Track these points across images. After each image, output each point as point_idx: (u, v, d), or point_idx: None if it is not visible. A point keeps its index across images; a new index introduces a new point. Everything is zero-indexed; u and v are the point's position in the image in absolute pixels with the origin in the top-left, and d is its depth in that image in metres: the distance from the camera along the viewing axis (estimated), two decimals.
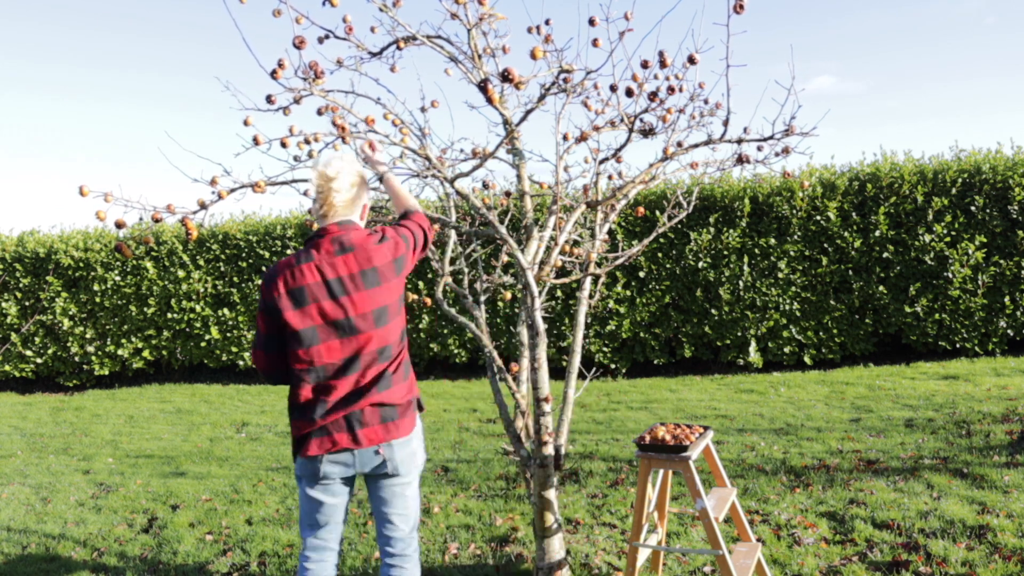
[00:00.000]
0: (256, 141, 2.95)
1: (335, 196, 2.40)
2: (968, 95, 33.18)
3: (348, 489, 2.57)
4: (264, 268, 10.38)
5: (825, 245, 8.63)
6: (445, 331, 9.76)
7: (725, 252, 8.80)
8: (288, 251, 10.25)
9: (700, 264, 8.81)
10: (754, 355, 8.75)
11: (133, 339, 10.78)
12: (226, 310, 10.50)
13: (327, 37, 3.03)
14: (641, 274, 9.03)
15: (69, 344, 10.88)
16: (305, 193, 3.68)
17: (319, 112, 3.17)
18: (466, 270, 4.18)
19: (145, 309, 10.64)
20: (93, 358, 10.87)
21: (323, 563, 2.59)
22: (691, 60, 2.93)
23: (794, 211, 8.64)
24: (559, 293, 9.31)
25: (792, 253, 8.64)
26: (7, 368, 11.15)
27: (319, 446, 2.42)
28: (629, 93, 3.08)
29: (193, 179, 2.85)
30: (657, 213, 8.83)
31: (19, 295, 11.08)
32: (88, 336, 10.85)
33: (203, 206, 2.83)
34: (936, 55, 31.19)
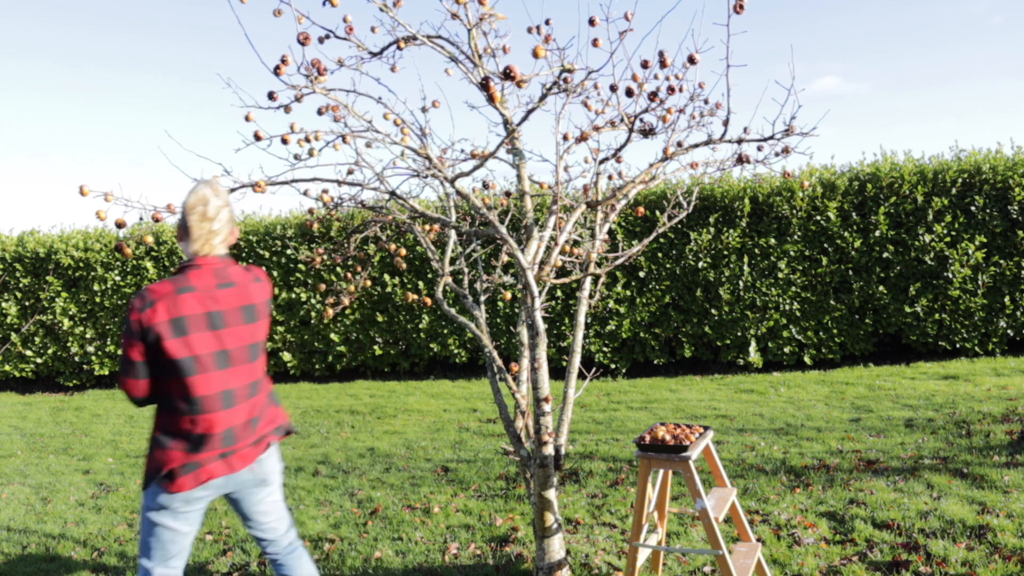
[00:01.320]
0: (257, 137, 2.95)
1: (215, 237, 2.44)
2: (974, 95, 33.15)
3: (204, 513, 2.62)
4: (264, 268, 10.39)
5: (825, 245, 8.63)
6: (445, 331, 9.76)
7: (725, 252, 8.81)
8: (288, 251, 10.25)
9: (700, 264, 8.81)
10: (754, 355, 8.75)
11: None
12: None
13: (327, 37, 3.03)
14: (641, 274, 9.03)
15: (69, 344, 10.88)
16: (305, 193, 3.68)
17: (320, 112, 3.17)
18: (466, 270, 4.18)
19: None
20: (93, 358, 10.87)
21: None
22: (691, 60, 2.93)
23: (794, 211, 8.64)
24: (559, 293, 9.31)
25: (792, 253, 8.64)
26: (7, 368, 11.14)
27: (195, 480, 2.41)
28: (629, 93, 3.08)
29: (193, 179, 2.85)
30: (657, 213, 8.83)
31: (19, 295, 11.07)
32: (88, 336, 10.85)
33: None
34: (943, 55, 31.16)
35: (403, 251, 4.40)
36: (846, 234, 8.50)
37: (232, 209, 2.50)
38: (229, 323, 2.40)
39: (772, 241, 8.65)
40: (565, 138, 3.57)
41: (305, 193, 3.67)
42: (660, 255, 8.98)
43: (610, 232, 8.63)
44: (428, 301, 3.74)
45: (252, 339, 2.46)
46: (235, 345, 2.41)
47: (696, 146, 3.15)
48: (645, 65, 3.09)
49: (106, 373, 10.97)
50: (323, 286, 4.26)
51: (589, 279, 3.71)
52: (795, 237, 8.63)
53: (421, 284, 9.77)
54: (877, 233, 8.45)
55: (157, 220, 2.71)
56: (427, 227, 4.14)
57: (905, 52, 30.91)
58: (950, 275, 8.30)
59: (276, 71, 2.74)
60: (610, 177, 3.81)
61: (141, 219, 2.83)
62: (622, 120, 3.18)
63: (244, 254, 10.47)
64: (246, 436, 2.48)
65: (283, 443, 6.82)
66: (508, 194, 4.11)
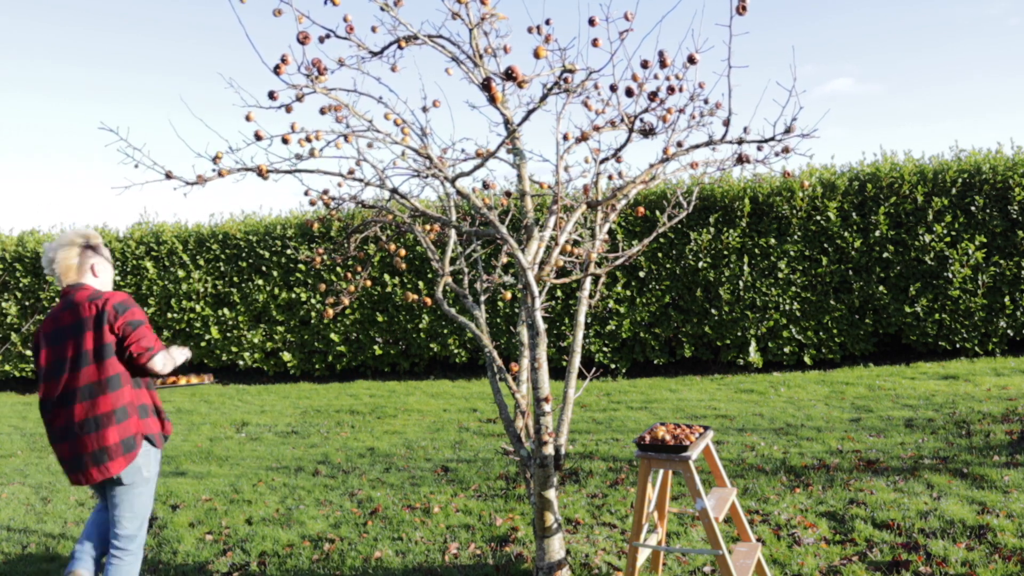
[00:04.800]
0: (258, 136, 2.95)
1: (60, 272, 3.09)
2: (987, 96, 33.08)
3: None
4: (264, 268, 10.40)
5: (825, 245, 8.63)
6: (445, 331, 9.76)
7: (725, 252, 8.81)
8: (288, 251, 10.26)
9: (700, 264, 8.81)
10: (754, 355, 8.75)
11: None
12: (226, 310, 10.50)
13: (328, 36, 3.03)
14: (641, 274, 9.03)
15: None
16: (306, 193, 3.69)
17: (322, 111, 3.17)
18: (466, 270, 4.18)
19: (145, 309, 10.63)
20: None
21: (80, 560, 3.14)
22: (691, 60, 2.93)
23: (794, 211, 8.64)
24: (559, 293, 9.31)
25: (792, 253, 8.64)
26: (7, 368, 11.14)
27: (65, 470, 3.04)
28: (629, 93, 3.08)
29: (197, 154, 2.86)
30: (657, 213, 8.84)
31: (19, 295, 11.07)
32: None
33: (202, 180, 2.84)
34: (955, 56, 31.07)
35: (403, 251, 4.40)
36: (846, 234, 8.51)
37: (75, 255, 3.09)
38: (66, 337, 2.99)
39: (772, 241, 8.65)
40: (565, 138, 3.57)
41: (306, 193, 3.67)
42: (660, 255, 8.98)
43: (610, 232, 8.63)
44: (428, 301, 3.74)
45: (80, 349, 2.96)
46: (67, 355, 2.98)
47: (696, 146, 3.15)
48: (645, 65, 3.09)
49: None
50: (323, 286, 4.26)
51: (589, 279, 3.71)
52: (795, 237, 8.63)
53: (421, 284, 9.77)
54: (877, 233, 8.45)
55: (169, 177, 2.71)
56: (427, 227, 4.14)
57: (918, 53, 30.82)
58: (950, 275, 8.30)
59: (276, 71, 2.74)
60: (610, 177, 3.81)
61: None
62: (622, 120, 3.19)
63: (244, 254, 10.47)
64: (82, 443, 2.94)
65: (283, 443, 6.82)
66: (508, 194, 4.12)
